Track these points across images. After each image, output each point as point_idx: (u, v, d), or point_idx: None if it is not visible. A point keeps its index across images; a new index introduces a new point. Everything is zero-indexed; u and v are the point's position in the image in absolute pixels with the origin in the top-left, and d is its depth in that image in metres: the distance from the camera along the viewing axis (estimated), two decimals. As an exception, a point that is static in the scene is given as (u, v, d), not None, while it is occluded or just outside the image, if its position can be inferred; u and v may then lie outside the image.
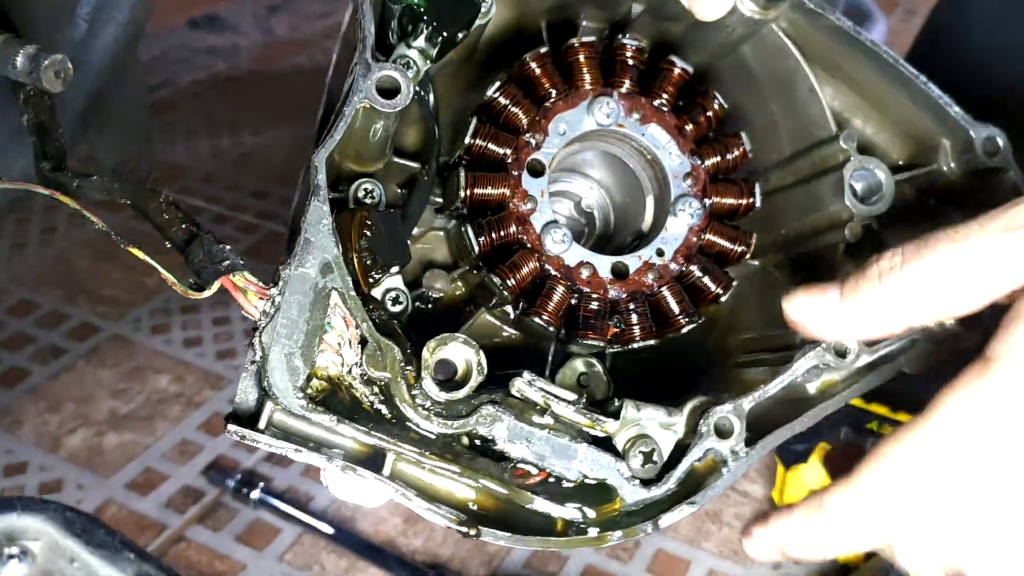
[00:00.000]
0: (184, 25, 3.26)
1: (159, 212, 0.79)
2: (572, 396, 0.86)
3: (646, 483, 0.85)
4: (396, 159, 1.00)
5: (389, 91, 0.86)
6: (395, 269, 0.92)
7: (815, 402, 0.91)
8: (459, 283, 1.03)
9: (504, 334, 1.02)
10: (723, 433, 0.87)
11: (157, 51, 3.07)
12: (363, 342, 0.81)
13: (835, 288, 0.82)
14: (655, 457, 0.86)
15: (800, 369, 0.90)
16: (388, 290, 0.93)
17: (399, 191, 1.02)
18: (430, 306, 1.02)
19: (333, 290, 0.81)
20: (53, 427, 1.80)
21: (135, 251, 0.76)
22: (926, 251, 0.77)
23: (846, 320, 0.82)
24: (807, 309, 0.84)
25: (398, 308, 0.93)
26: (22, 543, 0.76)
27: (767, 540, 0.84)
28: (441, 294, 1.02)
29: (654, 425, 0.87)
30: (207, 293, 0.77)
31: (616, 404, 0.87)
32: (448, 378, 0.84)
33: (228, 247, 0.77)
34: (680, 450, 0.88)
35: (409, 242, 1.02)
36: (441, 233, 1.05)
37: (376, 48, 0.93)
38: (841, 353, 0.91)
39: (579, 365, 0.99)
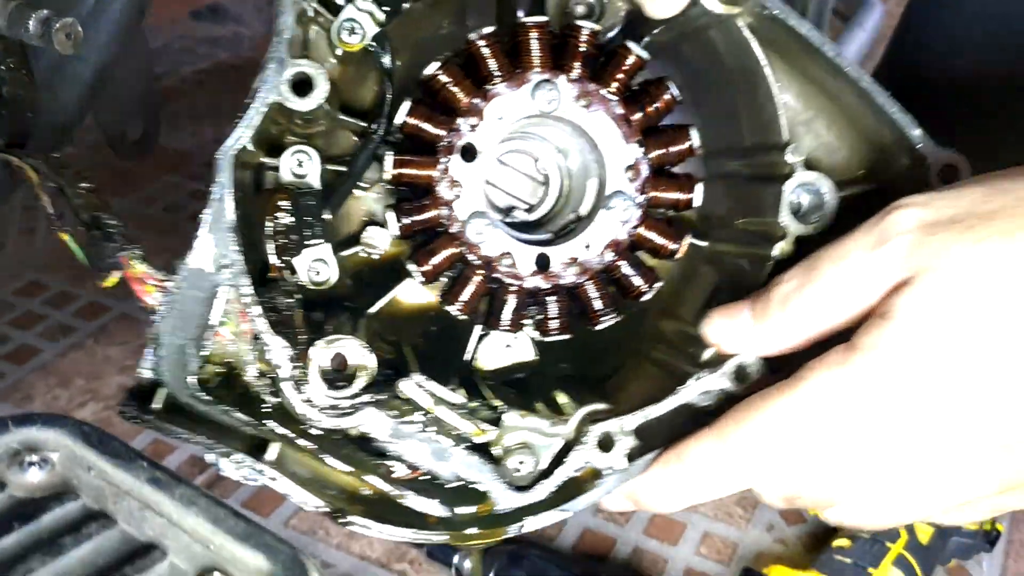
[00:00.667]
0: (187, 16, 3.30)
1: (74, 196, 0.82)
2: (460, 400, 0.89)
3: (520, 488, 0.89)
4: (343, 116, 0.99)
5: (304, 85, 0.85)
6: (318, 242, 0.93)
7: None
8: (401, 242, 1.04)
9: (434, 301, 1.04)
10: (606, 446, 0.90)
11: (161, 42, 3.08)
12: (257, 337, 0.85)
13: (747, 308, 0.89)
14: (531, 466, 0.89)
15: (694, 392, 0.91)
16: (315, 260, 0.94)
17: (353, 139, 1.02)
18: (373, 256, 1.03)
19: (230, 286, 0.84)
20: (63, 402, 1.83)
21: (63, 236, 0.81)
22: (815, 273, 0.84)
23: (758, 341, 0.89)
24: (722, 330, 0.91)
25: (321, 278, 0.94)
26: (42, 453, 0.83)
27: (621, 491, 0.92)
28: (380, 253, 1.03)
29: (536, 434, 0.90)
30: (105, 284, 0.81)
31: (498, 411, 0.89)
32: (339, 369, 0.87)
33: (116, 244, 0.80)
34: (563, 455, 0.91)
35: (355, 192, 1.03)
36: (390, 186, 1.06)
37: (323, 5, 0.92)
38: (741, 377, 0.91)
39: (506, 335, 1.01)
